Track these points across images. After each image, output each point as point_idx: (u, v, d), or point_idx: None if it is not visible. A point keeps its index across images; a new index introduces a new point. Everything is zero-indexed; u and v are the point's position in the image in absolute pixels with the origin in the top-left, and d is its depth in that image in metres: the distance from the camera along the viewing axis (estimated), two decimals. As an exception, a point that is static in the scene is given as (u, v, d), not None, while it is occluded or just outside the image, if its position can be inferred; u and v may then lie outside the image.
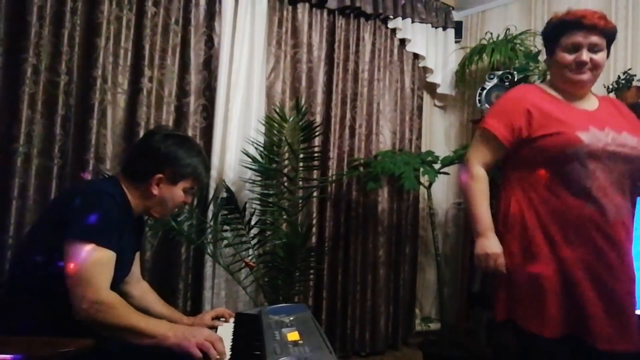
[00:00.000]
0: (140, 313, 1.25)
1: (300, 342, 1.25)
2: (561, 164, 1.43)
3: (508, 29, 3.16)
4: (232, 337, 1.42)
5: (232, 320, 1.62)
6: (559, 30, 1.51)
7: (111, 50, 2.36)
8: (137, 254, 1.60)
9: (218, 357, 1.19)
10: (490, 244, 1.48)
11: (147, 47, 2.44)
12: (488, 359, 2.88)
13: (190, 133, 2.55)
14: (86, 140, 2.28)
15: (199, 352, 1.17)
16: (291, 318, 1.47)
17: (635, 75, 2.56)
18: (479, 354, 2.95)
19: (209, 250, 2.49)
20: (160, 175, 1.38)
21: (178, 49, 2.56)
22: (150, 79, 2.46)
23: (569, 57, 1.48)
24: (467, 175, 1.57)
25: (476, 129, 1.59)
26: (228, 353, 1.27)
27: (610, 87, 2.63)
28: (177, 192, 1.42)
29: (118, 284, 1.45)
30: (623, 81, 2.57)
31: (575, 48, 1.48)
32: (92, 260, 1.20)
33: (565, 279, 1.40)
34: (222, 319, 1.61)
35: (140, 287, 1.61)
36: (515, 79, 2.96)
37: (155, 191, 1.39)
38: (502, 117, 1.52)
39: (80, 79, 2.31)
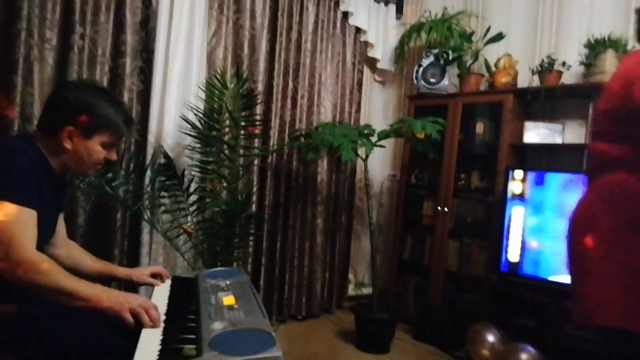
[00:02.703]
0: (72, 275, 1.19)
1: (236, 306, 1.27)
2: None
3: (446, 9, 3.26)
4: (167, 300, 1.43)
5: (168, 282, 1.62)
6: None
7: (37, 2, 2.20)
8: (62, 215, 1.53)
9: (151, 324, 1.17)
10: None
11: (78, 1, 2.30)
12: (414, 319, 3.11)
13: (126, 96, 2.47)
14: (10, 98, 2.15)
15: (130, 318, 1.15)
16: (228, 282, 1.50)
17: (557, 59, 2.76)
18: (407, 316, 3.18)
19: (145, 217, 2.46)
20: (71, 128, 1.28)
21: (112, 6, 2.44)
22: (82, 36, 2.33)
23: None
24: None
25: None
26: (163, 317, 1.27)
27: (535, 69, 2.83)
28: (94, 147, 1.32)
29: (43, 245, 1.39)
30: (546, 64, 2.77)
31: None
32: (13, 219, 1.14)
33: None
34: (160, 279, 1.60)
35: (67, 246, 1.55)
36: (450, 58, 3.10)
37: (67, 145, 1.29)
38: None
39: (2, 32, 2.14)
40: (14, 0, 2.14)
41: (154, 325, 1.18)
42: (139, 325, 1.16)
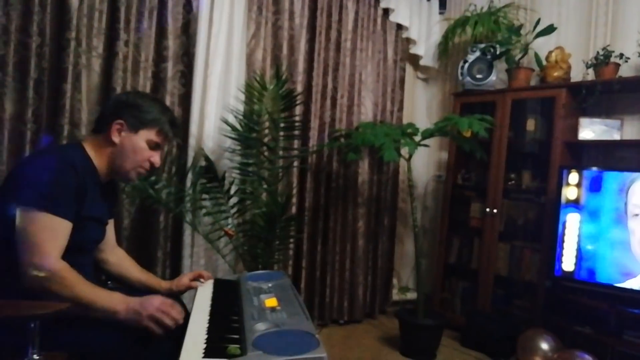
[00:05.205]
0: (91, 284, 1.21)
1: (278, 308, 1.26)
2: None
3: (492, 1, 3.13)
4: (210, 301, 1.43)
5: (211, 283, 1.61)
6: None
7: (85, 12, 2.27)
8: (112, 221, 1.57)
9: (173, 323, 1.18)
10: None
11: (122, 9, 2.35)
12: (461, 326, 2.99)
13: (168, 100, 2.50)
14: (60, 105, 2.22)
15: (152, 325, 1.15)
16: (270, 285, 1.49)
17: (613, 51, 2.59)
18: (453, 322, 3.06)
19: (187, 219, 2.48)
20: (121, 121, 1.35)
21: (155, 13, 2.48)
22: (126, 43, 2.38)
23: None
24: None
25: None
26: (206, 319, 1.27)
27: (589, 63, 2.66)
28: (139, 143, 1.37)
29: (91, 249, 1.43)
30: (602, 57, 2.60)
31: None
32: (43, 227, 1.17)
33: None
34: (200, 280, 1.61)
35: (116, 253, 1.59)
36: (497, 52, 2.97)
37: (115, 138, 1.35)
38: None
39: (53, 42, 2.22)
40: (65, 12, 2.20)
41: (177, 322, 1.20)
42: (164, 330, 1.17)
